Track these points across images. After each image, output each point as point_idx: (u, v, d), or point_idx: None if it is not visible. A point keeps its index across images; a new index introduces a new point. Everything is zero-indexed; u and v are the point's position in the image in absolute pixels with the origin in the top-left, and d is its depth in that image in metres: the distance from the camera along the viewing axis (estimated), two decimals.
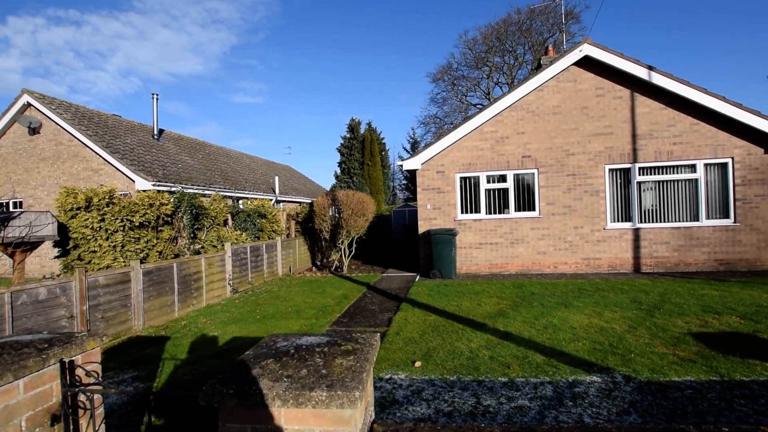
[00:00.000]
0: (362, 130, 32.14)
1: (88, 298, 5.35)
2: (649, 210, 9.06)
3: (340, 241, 11.18)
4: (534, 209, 9.53)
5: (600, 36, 51.19)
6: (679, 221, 8.83)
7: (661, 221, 8.94)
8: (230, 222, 9.56)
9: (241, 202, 10.66)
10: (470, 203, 9.92)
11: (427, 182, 10.06)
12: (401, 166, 10.42)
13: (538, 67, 11.38)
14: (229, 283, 8.47)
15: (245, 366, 1.63)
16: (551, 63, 10.67)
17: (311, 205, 13.58)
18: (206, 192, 11.79)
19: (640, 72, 8.70)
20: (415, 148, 45.93)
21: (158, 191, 8.29)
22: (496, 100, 9.70)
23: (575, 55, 9.07)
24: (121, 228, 6.26)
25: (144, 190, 9.24)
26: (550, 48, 11.60)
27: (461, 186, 9.94)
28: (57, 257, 6.29)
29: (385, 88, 77.12)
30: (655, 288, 7.06)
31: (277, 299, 7.93)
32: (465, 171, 9.86)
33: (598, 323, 5.17)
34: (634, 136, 8.97)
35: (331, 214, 11.00)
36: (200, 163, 16.27)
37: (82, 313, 5.26)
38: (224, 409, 1.48)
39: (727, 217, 8.60)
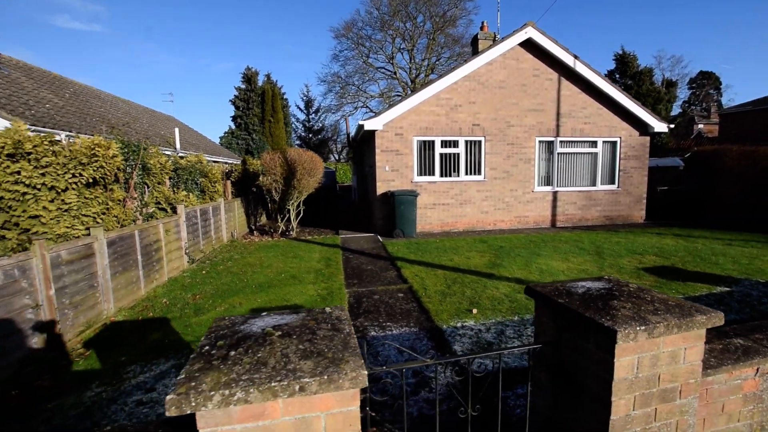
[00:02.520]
0: (260, 82, 29.08)
1: (53, 279, 4.05)
2: (563, 176, 11.13)
3: (290, 203, 10.49)
4: (480, 173, 10.67)
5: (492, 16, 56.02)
6: (583, 186, 11.17)
7: (571, 185, 11.13)
8: (167, 181, 7.98)
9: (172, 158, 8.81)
10: (426, 166, 10.47)
11: (386, 144, 10.14)
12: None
13: (474, 42, 12.28)
14: (185, 252, 7.28)
15: (591, 310, 1.77)
16: (486, 38, 11.67)
17: (243, 162, 12.24)
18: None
19: (568, 59, 10.31)
20: (309, 107, 43.93)
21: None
22: (452, 69, 10.21)
23: (521, 36, 10.12)
24: (73, 186, 4.67)
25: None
26: (485, 23, 12.52)
27: (418, 149, 10.36)
28: None
29: (270, 37, 70.21)
30: (582, 238, 8.98)
31: (252, 266, 7.22)
32: (422, 135, 10.27)
33: (575, 267, 6.45)
34: (558, 114, 10.73)
35: (281, 172, 10.14)
36: (72, 105, 12.63)
37: (49, 300, 3.99)
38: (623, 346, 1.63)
39: (613, 183, 11.27)
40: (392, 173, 10.25)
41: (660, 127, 10.96)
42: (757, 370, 2.18)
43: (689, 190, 12.16)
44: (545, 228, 10.79)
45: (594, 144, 11.08)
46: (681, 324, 1.69)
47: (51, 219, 4.51)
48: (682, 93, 33.01)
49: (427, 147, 10.42)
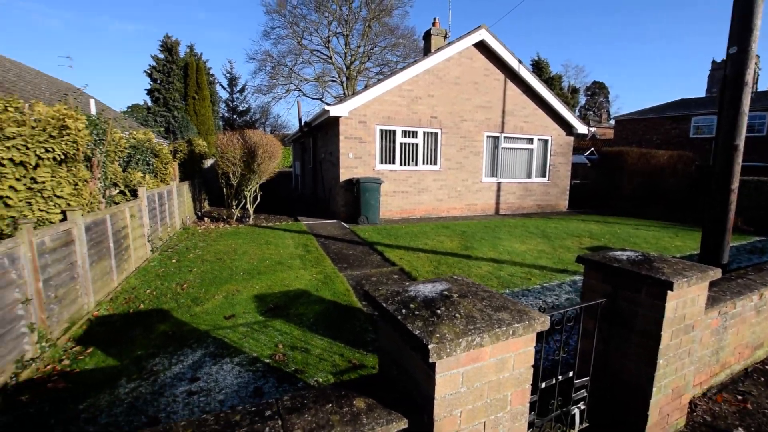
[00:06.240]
0: (182, 54, 26.26)
1: (40, 269, 3.58)
2: (505, 168, 12.43)
3: (249, 188, 10.02)
4: (436, 163, 11.39)
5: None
6: (521, 178, 12.61)
7: (512, 177, 12.49)
8: (116, 160, 7.11)
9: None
10: (387, 154, 10.83)
11: (350, 131, 10.24)
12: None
13: (426, 37, 12.88)
14: (148, 240, 6.66)
15: (645, 270, 2.38)
16: (438, 35, 12.40)
17: (189, 143, 11.29)
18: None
19: (513, 63, 11.46)
20: (233, 85, 40.82)
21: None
22: (415, 62, 10.65)
23: (475, 37, 10.94)
24: (47, 161, 3.97)
25: None
26: (437, 20, 13.15)
27: (381, 137, 10.66)
28: None
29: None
30: (526, 224, 10.24)
31: (227, 254, 6.91)
32: (384, 123, 10.58)
33: (533, 248, 7.46)
34: (503, 112, 11.89)
35: (240, 155, 9.61)
36: None
37: (38, 294, 3.53)
38: None
39: (544, 176, 12.92)
40: (355, 160, 10.41)
41: (582, 129, 12.84)
42: (718, 312, 3.04)
43: (598, 183, 14.47)
44: (491, 215, 12.00)
45: (531, 141, 12.55)
46: (701, 277, 2.36)
47: (20, 201, 3.89)
48: (581, 99, 38.22)
49: (388, 136, 10.77)
